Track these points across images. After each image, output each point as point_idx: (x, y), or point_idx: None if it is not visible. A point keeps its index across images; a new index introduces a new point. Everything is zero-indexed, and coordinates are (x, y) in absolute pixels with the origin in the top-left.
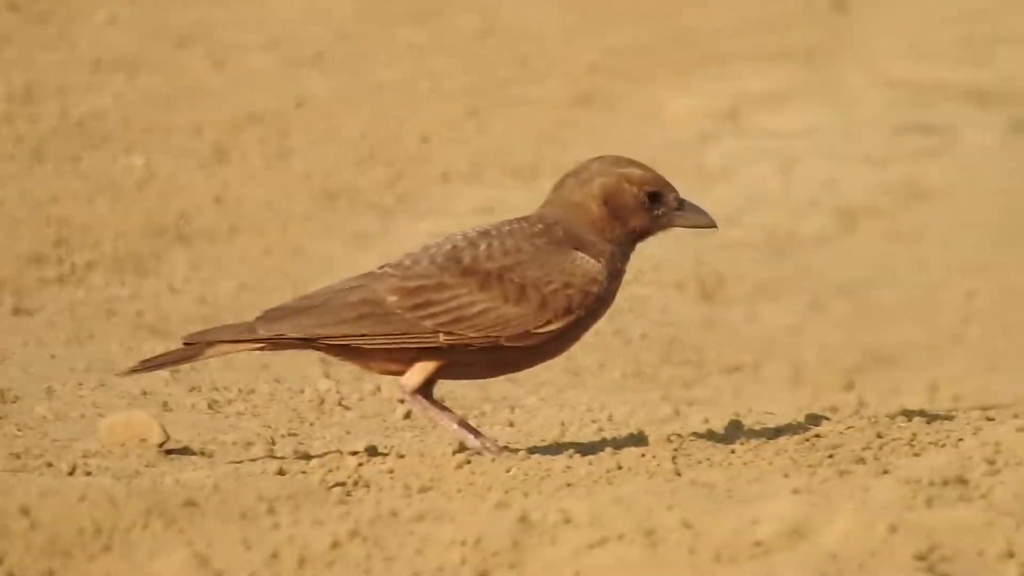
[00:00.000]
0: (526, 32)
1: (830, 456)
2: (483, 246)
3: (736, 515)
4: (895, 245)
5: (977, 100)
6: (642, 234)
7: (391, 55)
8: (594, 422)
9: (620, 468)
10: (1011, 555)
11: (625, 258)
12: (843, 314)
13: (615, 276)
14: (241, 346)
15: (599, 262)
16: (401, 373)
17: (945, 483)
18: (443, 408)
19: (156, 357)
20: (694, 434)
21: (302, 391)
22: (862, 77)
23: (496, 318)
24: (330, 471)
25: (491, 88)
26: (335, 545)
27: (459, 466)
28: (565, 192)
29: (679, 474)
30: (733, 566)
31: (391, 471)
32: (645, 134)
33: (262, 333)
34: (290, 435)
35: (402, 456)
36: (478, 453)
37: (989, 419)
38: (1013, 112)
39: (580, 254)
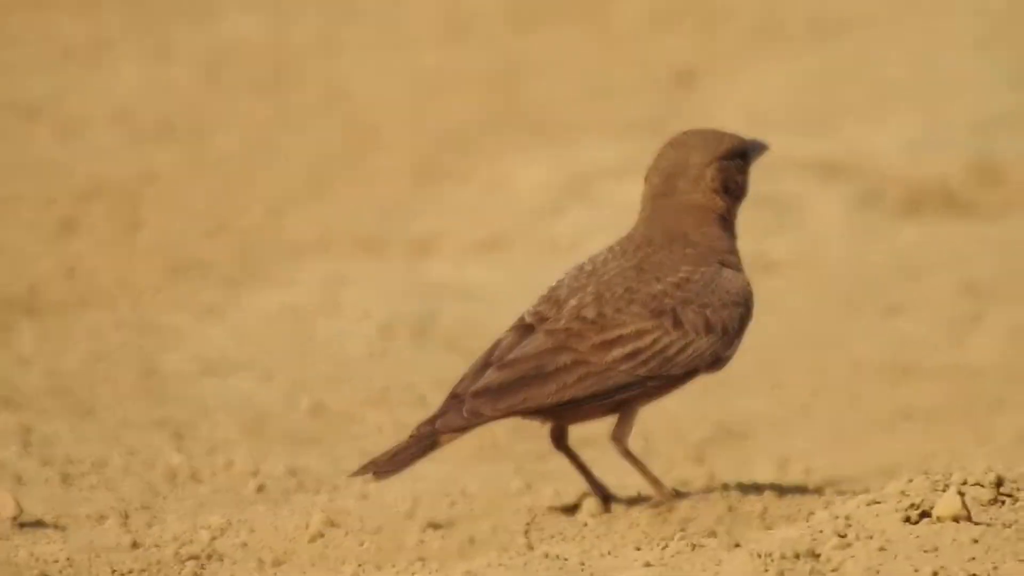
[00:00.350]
0: (371, 104)
1: (682, 529)
2: (657, 285)
3: None
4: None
5: (822, 172)
6: (741, 200)
7: (238, 127)
8: (446, 495)
9: (473, 542)
10: None
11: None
12: (693, 387)
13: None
14: (468, 431)
15: (738, 268)
16: (601, 418)
17: (797, 556)
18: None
19: (383, 461)
20: (547, 508)
21: (155, 464)
22: None
23: (693, 352)
24: (183, 544)
25: (337, 159)
26: None
27: (312, 539)
28: (679, 197)
29: (531, 548)
30: None
31: (244, 544)
32: (493, 205)
33: (487, 412)
34: (143, 508)
35: (254, 530)
36: (668, 502)
37: (839, 493)
38: (859, 184)
39: (729, 271)
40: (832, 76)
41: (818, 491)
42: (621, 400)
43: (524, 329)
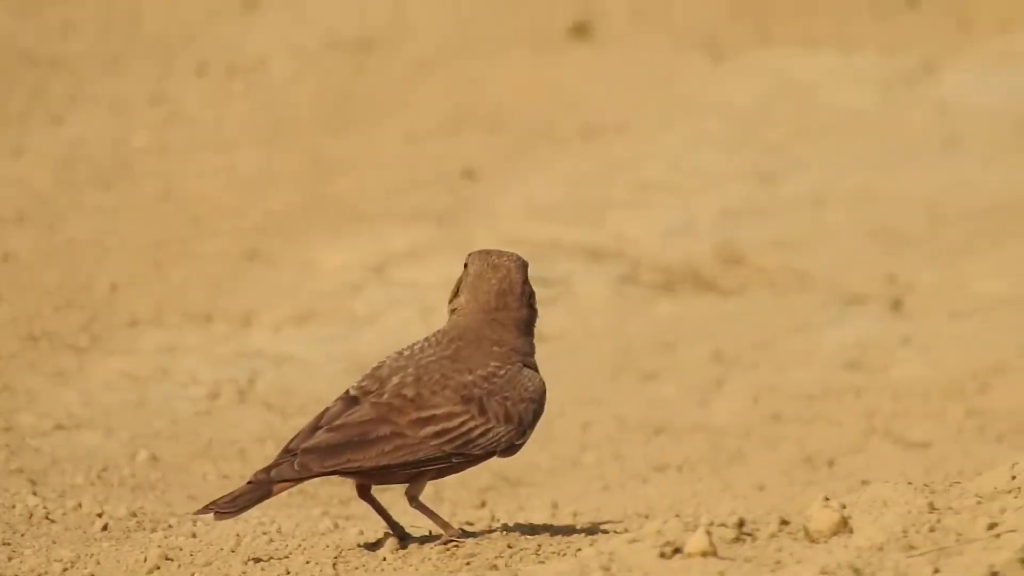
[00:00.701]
0: (200, 197)
1: (467, 563)
2: (468, 376)
3: None
4: None
5: (589, 256)
6: (530, 319)
7: (83, 215)
8: (265, 534)
9: (288, 573)
10: None
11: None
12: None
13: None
14: (299, 483)
15: (536, 370)
16: (401, 483)
17: None
18: (431, 512)
19: (235, 498)
20: (352, 545)
21: (13, 506)
22: (488, 235)
23: (492, 437)
24: (39, 575)
25: (171, 244)
26: None
27: (149, 572)
28: (510, 312)
29: None
30: None
31: (92, 575)
32: (303, 284)
33: (315, 468)
34: (4, 544)
35: (100, 563)
36: (455, 540)
37: (604, 532)
38: (620, 266)
39: (528, 371)
40: (598, 174)
41: (585, 531)
42: (425, 469)
43: (350, 400)
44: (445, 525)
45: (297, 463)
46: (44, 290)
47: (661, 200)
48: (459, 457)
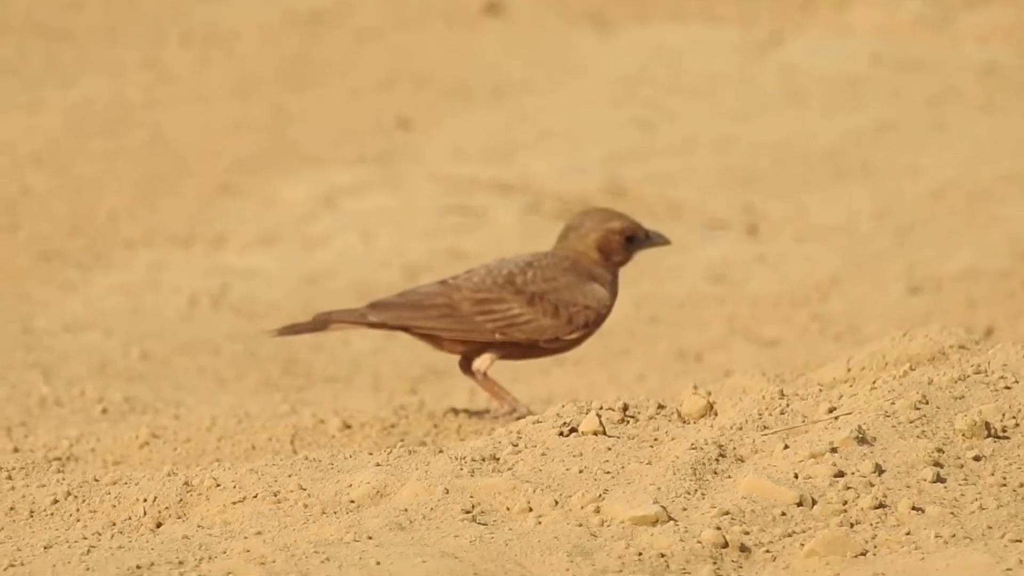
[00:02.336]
0: (183, 142)
1: (401, 440)
2: (530, 273)
3: (336, 481)
4: None
5: (501, 190)
6: (622, 264)
7: (88, 158)
8: (235, 416)
9: (254, 448)
10: (530, 510)
11: (616, 282)
12: (410, 341)
13: (614, 295)
14: (355, 326)
15: (606, 289)
16: (465, 355)
17: (483, 459)
18: (497, 385)
19: (295, 326)
20: (307, 425)
21: (29, 394)
22: (418, 174)
23: (536, 327)
24: (51, 450)
25: (158, 180)
26: (55, 501)
27: (141, 446)
28: (571, 242)
29: (296, 452)
30: (334, 517)
31: (93, 449)
32: (267, 213)
33: (372, 319)
34: (21, 424)
35: (100, 440)
36: (519, 415)
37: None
38: (525, 199)
39: (596, 284)
40: (508, 124)
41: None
42: (476, 346)
43: (437, 282)
44: (511, 401)
45: (359, 311)
46: (55, 218)
47: (559, 145)
48: (503, 336)
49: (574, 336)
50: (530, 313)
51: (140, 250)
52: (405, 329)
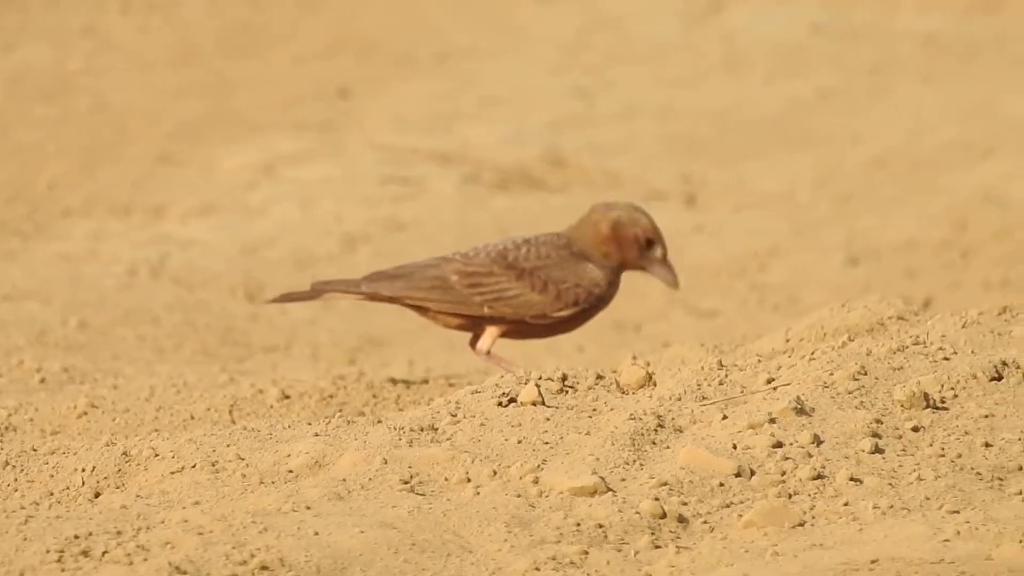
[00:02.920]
0: (124, 110)
1: (339, 410)
2: (523, 250)
3: (275, 451)
4: (382, 261)
5: (440, 159)
6: (631, 265)
7: (29, 125)
8: (174, 386)
9: (192, 418)
10: (468, 480)
11: (618, 276)
12: (348, 311)
13: (612, 284)
14: (349, 296)
15: (602, 271)
16: (458, 329)
17: (422, 430)
18: (503, 360)
19: (291, 294)
20: (245, 395)
21: None
22: (358, 143)
23: (523, 302)
24: None
25: (99, 149)
26: None
27: (79, 416)
28: (591, 215)
29: (234, 422)
30: (273, 487)
31: (31, 419)
32: (207, 182)
33: (364, 289)
34: None
35: (38, 409)
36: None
37: (451, 384)
38: (465, 169)
39: (589, 264)
40: (448, 92)
41: (436, 384)
42: (466, 320)
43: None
44: (509, 369)
45: (354, 281)
46: None
47: (499, 114)
48: (491, 311)
49: (563, 314)
50: (518, 288)
51: (80, 219)
52: (398, 300)
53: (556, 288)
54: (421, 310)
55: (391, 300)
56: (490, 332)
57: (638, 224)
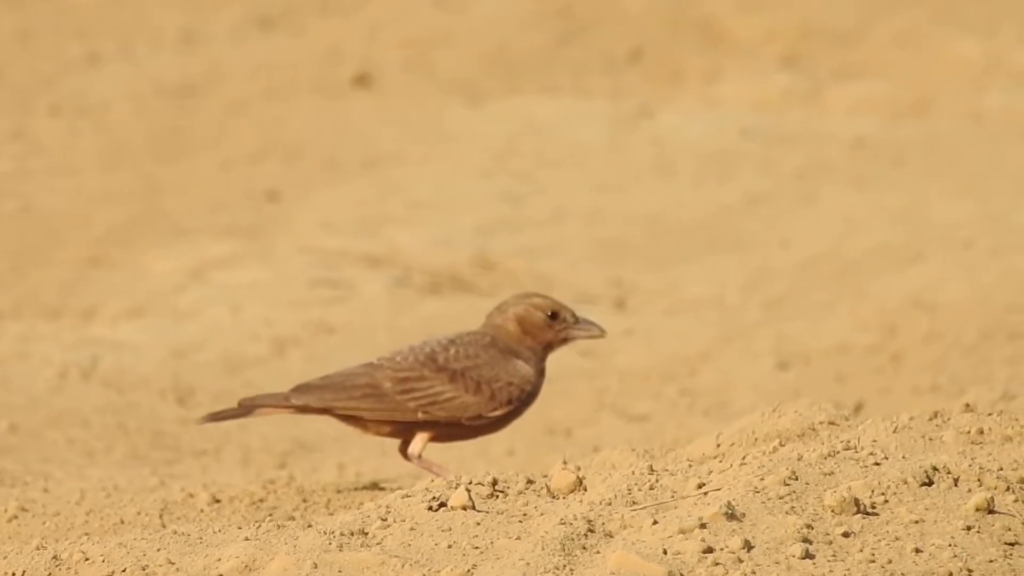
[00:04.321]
0: (53, 213)
1: (270, 515)
2: (452, 351)
3: (205, 555)
4: (312, 365)
5: (370, 263)
6: (551, 344)
7: None
8: (103, 490)
9: (123, 522)
10: None
11: (543, 363)
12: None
13: (541, 374)
14: (279, 410)
15: (530, 366)
16: (390, 436)
17: (352, 534)
18: (435, 464)
19: (221, 412)
20: (176, 500)
21: None
22: (288, 246)
23: (459, 404)
24: None
25: (28, 251)
26: None
27: (9, 520)
28: (493, 318)
29: (164, 526)
30: None
31: None
32: (137, 285)
33: (294, 402)
34: None
35: None
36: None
37: (381, 489)
38: (394, 271)
39: (519, 361)
40: (377, 196)
41: (366, 489)
42: (399, 426)
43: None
44: (440, 473)
45: (283, 394)
46: None
47: (428, 217)
48: (426, 415)
49: (498, 413)
50: (452, 391)
51: (9, 321)
52: (329, 411)
53: (490, 388)
54: (352, 419)
55: (322, 411)
56: (420, 437)
57: (536, 307)
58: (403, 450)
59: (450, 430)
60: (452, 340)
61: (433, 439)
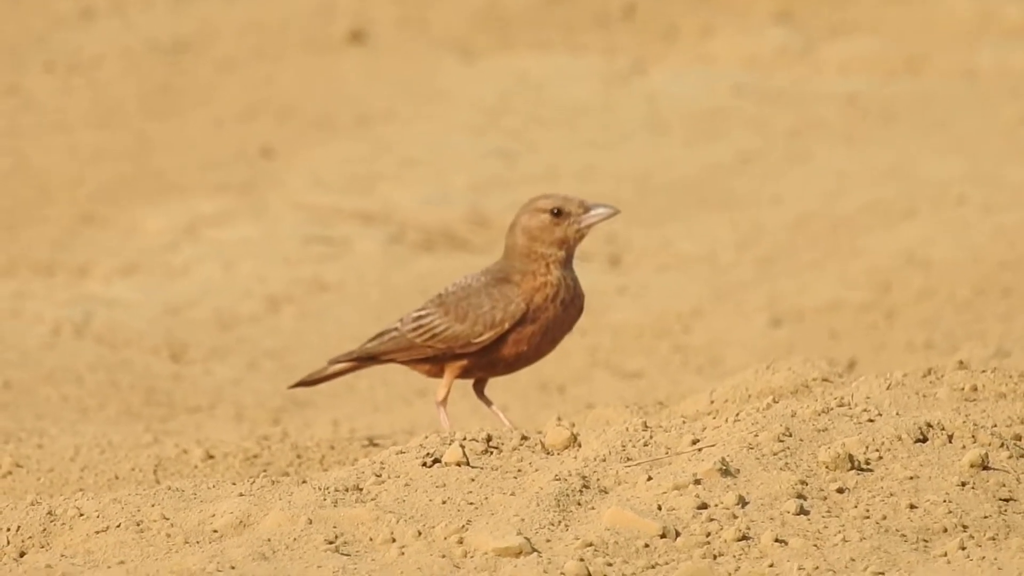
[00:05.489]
0: (46, 170)
1: (264, 470)
2: (452, 286)
3: (199, 511)
4: (306, 322)
5: (364, 220)
6: (568, 241)
7: None
8: (98, 446)
9: (117, 478)
10: (393, 540)
11: (567, 268)
12: (272, 371)
13: (556, 290)
14: (343, 367)
15: (519, 289)
16: (430, 375)
17: (346, 490)
18: (443, 417)
19: (307, 378)
20: (169, 456)
21: None
22: (281, 203)
23: (451, 334)
24: None
25: (21, 209)
26: None
27: (3, 475)
28: (508, 237)
29: (159, 482)
30: (197, 547)
31: None
32: (130, 242)
33: (356, 353)
34: None
35: None
36: (451, 441)
37: (375, 445)
38: (388, 229)
39: (504, 286)
40: (370, 153)
41: (360, 444)
42: (426, 363)
43: None
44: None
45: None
46: None
47: (421, 174)
48: (432, 349)
49: (482, 339)
50: (446, 322)
51: (2, 279)
52: (376, 359)
53: (474, 315)
54: (407, 363)
55: (371, 361)
56: (445, 377)
57: (538, 209)
58: (478, 388)
59: (467, 366)
60: (466, 275)
61: (460, 375)
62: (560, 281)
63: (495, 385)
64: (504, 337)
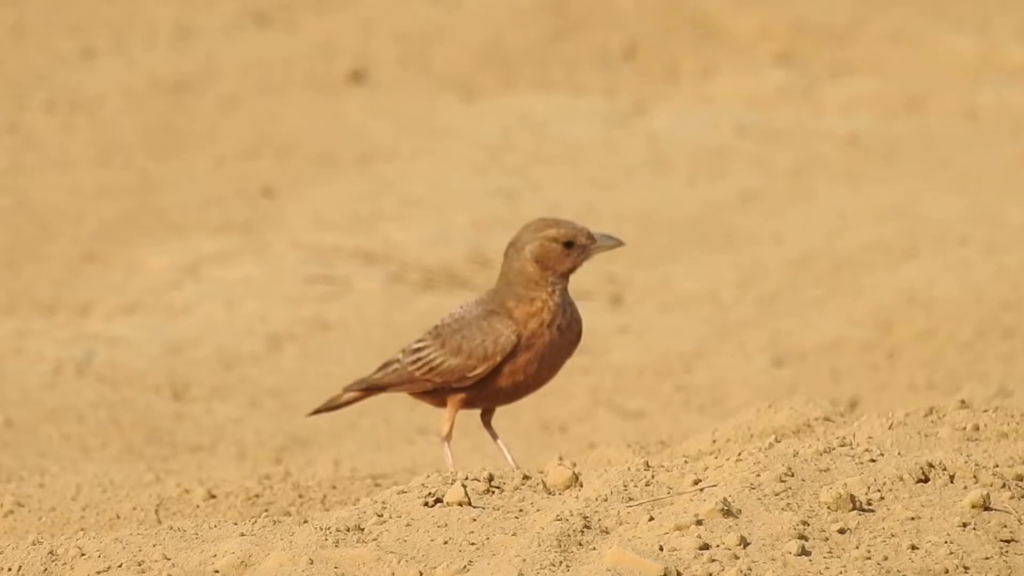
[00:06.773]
0: (47, 208)
1: (266, 510)
2: (448, 317)
3: (201, 551)
4: (307, 361)
5: (365, 259)
6: (570, 271)
7: None
8: (99, 485)
9: (118, 517)
10: None
11: (564, 293)
12: (273, 410)
13: (553, 315)
14: (356, 395)
15: (516, 315)
16: (439, 405)
17: (348, 530)
18: (448, 454)
19: (320, 407)
20: (171, 495)
21: None
22: (282, 242)
23: (447, 368)
24: None
25: (22, 247)
26: None
27: (5, 515)
28: (508, 261)
29: (160, 522)
30: None
31: None
32: (132, 281)
33: (366, 384)
34: None
35: None
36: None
37: (377, 485)
38: (389, 268)
39: (494, 318)
40: (372, 192)
41: (362, 484)
42: (427, 396)
43: None
44: (506, 455)
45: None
46: None
47: (423, 213)
48: (429, 383)
49: (476, 373)
50: (442, 355)
51: (4, 317)
52: (382, 390)
53: (468, 348)
54: (414, 396)
55: (376, 391)
56: (448, 409)
57: (550, 239)
58: (484, 420)
59: (468, 399)
60: (461, 306)
61: (463, 407)
62: (557, 307)
63: (496, 426)
64: (499, 369)
